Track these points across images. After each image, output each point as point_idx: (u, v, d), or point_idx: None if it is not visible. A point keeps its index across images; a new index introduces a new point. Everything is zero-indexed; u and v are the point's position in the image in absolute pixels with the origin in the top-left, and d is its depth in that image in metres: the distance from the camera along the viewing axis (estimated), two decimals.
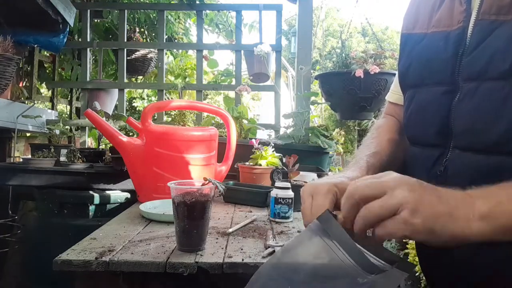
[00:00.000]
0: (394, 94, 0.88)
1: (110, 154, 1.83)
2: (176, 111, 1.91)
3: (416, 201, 0.45)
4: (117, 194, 1.72)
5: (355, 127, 6.04)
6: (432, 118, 0.67)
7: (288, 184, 1.18)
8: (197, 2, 2.53)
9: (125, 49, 2.50)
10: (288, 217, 1.16)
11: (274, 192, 1.17)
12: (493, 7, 0.58)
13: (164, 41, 2.50)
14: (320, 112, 4.09)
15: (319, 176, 1.58)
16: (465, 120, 0.61)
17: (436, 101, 0.65)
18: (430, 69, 0.68)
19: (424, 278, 2.20)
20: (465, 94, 0.61)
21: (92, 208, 1.66)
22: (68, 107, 3.20)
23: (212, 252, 0.83)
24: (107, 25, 3.12)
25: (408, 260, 2.38)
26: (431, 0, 0.70)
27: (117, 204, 1.71)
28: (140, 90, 4.27)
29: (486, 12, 0.59)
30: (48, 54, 2.84)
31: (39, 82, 2.88)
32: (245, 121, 1.99)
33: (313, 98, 2.21)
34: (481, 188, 0.47)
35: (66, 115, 3.26)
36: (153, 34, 3.16)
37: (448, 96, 0.64)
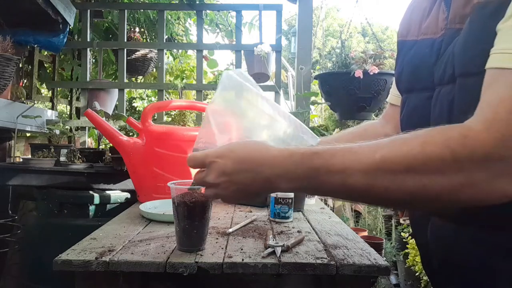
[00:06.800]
0: (392, 96, 0.92)
1: (110, 154, 1.83)
2: (176, 111, 1.91)
3: (223, 184, 0.62)
4: (117, 194, 1.72)
5: None
6: (418, 123, 0.69)
7: None
8: (197, 2, 2.53)
9: (125, 49, 2.50)
10: (288, 217, 1.16)
11: (274, 192, 1.17)
12: (457, 17, 0.62)
13: (164, 41, 2.50)
14: (320, 112, 4.08)
15: None
16: (433, 125, 0.64)
17: (422, 106, 0.68)
18: (418, 75, 0.70)
19: (424, 278, 2.21)
20: (433, 100, 0.65)
21: (92, 208, 1.66)
22: (68, 107, 3.20)
23: (212, 252, 0.83)
24: (107, 25, 3.12)
25: (408, 259, 2.38)
26: (422, 7, 0.73)
27: (117, 204, 1.71)
28: (140, 90, 4.27)
29: (452, 21, 0.63)
30: (48, 54, 2.84)
31: (39, 82, 2.88)
32: None
33: (313, 98, 2.21)
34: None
35: (66, 115, 3.26)
36: (153, 34, 3.16)
37: (430, 102, 0.67)
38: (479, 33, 0.54)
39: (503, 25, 0.52)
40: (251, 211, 1.30)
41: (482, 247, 0.59)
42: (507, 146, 0.47)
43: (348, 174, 0.52)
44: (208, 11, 2.89)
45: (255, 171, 0.59)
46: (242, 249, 0.85)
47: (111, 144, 1.69)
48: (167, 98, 3.19)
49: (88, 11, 2.53)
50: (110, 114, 1.92)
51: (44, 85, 3.06)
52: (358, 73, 1.87)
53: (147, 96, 4.57)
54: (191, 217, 0.81)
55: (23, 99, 2.24)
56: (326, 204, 1.59)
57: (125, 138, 1.40)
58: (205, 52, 2.71)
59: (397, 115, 0.89)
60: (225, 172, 0.61)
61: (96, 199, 1.67)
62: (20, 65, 2.42)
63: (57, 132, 2.12)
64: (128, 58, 2.69)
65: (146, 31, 3.16)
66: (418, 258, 2.21)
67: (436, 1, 0.69)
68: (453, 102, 0.60)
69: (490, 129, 0.47)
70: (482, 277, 0.60)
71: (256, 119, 0.76)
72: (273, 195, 1.17)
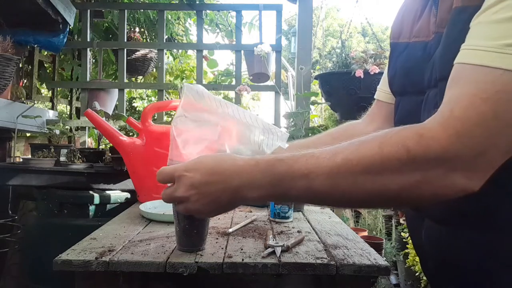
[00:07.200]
0: (380, 92, 0.91)
1: (110, 154, 1.83)
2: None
3: (193, 197, 0.62)
4: (117, 194, 1.72)
5: None
6: None
7: None
8: (197, 2, 2.53)
9: (125, 49, 2.50)
10: (288, 217, 1.16)
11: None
12: (443, 21, 0.61)
13: (164, 41, 2.50)
14: (320, 112, 4.09)
15: None
16: None
17: (416, 110, 0.67)
18: (411, 79, 0.70)
19: (424, 278, 2.21)
20: (423, 103, 0.65)
21: (92, 208, 1.66)
22: (68, 107, 3.20)
23: (212, 252, 0.83)
24: (107, 25, 3.12)
25: (408, 259, 2.38)
26: (413, 10, 0.73)
27: (117, 204, 1.71)
28: (140, 90, 4.27)
29: (439, 25, 0.63)
30: (48, 54, 2.84)
31: (39, 82, 2.88)
32: None
33: (313, 98, 2.21)
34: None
35: (66, 115, 3.26)
36: (153, 34, 3.16)
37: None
38: (457, 38, 0.54)
39: (473, 22, 0.52)
40: (251, 211, 1.30)
41: (474, 248, 0.59)
42: (462, 143, 0.47)
43: (311, 178, 0.54)
44: (208, 11, 2.89)
45: (224, 182, 0.60)
46: (242, 249, 0.85)
47: (111, 144, 1.69)
48: (167, 98, 3.19)
49: (88, 11, 2.53)
50: (110, 114, 1.93)
51: (44, 85, 3.06)
52: (359, 73, 1.87)
53: (147, 96, 4.57)
54: (191, 217, 0.81)
55: (23, 99, 2.24)
56: None
57: (125, 138, 1.40)
58: (205, 52, 2.71)
59: (384, 113, 0.88)
60: (194, 185, 0.62)
61: (96, 199, 1.67)
62: (20, 65, 2.43)
63: (57, 132, 2.12)
64: (128, 58, 2.69)
65: (146, 31, 3.16)
66: (418, 258, 2.21)
67: (427, 4, 0.69)
68: (437, 106, 0.60)
69: (445, 126, 0.48)
70: (479, 278, 0.59)
71: (232, 125, 0.77)
72: None
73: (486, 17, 0.50)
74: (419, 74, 0.67)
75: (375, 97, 0.94)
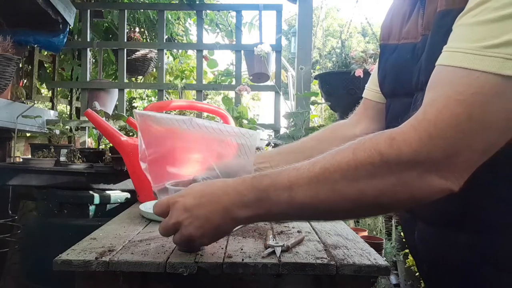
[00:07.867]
0: (368, 91, 0.90)
1: (110, 154, 1.83)
2: (176, 111, 1.91)
3: (185, 221, 0.63)
4: (117, 194, 1.72)
5: None
6: None
7: None
8: (197, 2, 2.53)
9: (125, 49, 2.50)
10: None
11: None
12: (429, 23, 0.61)
13: (164, 41, 2.50)
14: (320, 112, 4.09)
15: None
16: None
17: (406, 112, 0.67)
18: (400, 80, 0.70)
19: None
20: (412, 105, 0.65)
21: (92, 208, 1.66)
22: (68, 107, 3.20)
23: (212, 252, 0.83)
24: (107, 25, 3.12)
25: (408, 259, 2.38)
26: (402, 11, 0.72)
27: (117, 204, 1.71)
28: (140, 90, 4.27)
29: (426, 28, 0.63)
30: (48, 54, 2.84)
31: (39, 82, 2.88)
32: (245, 121, 1.99)
33: (313, 98, 2.21)
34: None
35: (66, 115, 3.26)
36: (153, 34, 3.16)
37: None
38: (442, 41, 0.54)
39: (455, 24, 0.52)
40: None
41: (467, 250, 0.59)
42: (434, 145, 0.47)
43: (293, 190, 0.55)
44: (208, 11, 2.89)
45: (214, 202, 0.62)
46: (242, 249, 0.85)
47: (111, 144, 1.69)
48: (167, 98, 3.19)
49: (88, 11, 2.53)
50: (110, 114, 1.93)
51: (44, 85, 3.06)
52: (359, 73, 1.87)
53: (147, 96, 4.57)
54: None
55: (23, 99, 2.24)
56: None
57: (125, 138, 1.40)
58: (205, 52, 2.71)
59: (371, 112, 0.88)
60: (186, 208, 0.63)
61: (96, 199, 1.67)
62: (20, 65, 2.43)
63: (57, 132, 2.12)
64: (128, 58, 2.69)
65: (146, 31, 3.16)
66: None
67: (416, 6, 0.68)
68: None
69: (417, 129, 0.49)
70: (477, 280, 0.59)
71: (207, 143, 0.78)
72: None
73: (466, 19, 0.50)
74: (408, 76, 0.66)
75: (363, 95, 0.93)
